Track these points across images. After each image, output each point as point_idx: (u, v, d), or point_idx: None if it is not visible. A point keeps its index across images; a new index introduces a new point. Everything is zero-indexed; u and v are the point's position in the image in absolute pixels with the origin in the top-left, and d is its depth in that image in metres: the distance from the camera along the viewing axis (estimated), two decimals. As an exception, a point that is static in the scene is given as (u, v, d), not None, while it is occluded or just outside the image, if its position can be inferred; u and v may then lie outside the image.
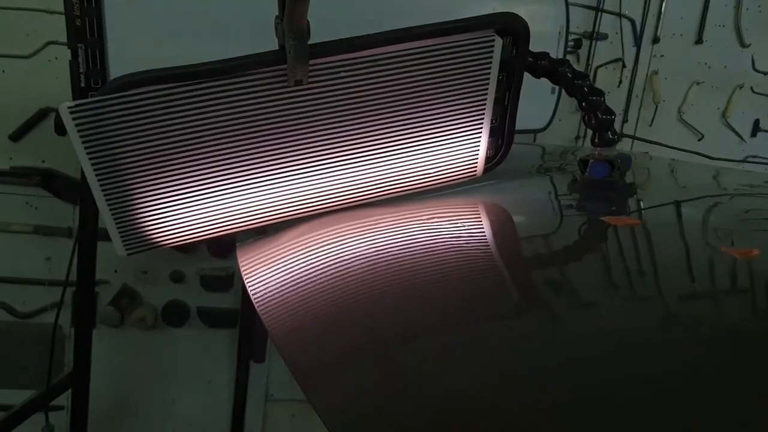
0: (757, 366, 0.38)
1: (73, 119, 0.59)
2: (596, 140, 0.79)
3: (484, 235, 0.67)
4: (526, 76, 0.77)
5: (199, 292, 1.72)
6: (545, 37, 1.37)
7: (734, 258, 0.54)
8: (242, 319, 1.75)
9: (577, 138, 1.81)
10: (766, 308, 0.47)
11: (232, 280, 1.71)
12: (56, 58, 1.48)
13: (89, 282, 1.33)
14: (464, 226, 0.70)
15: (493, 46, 0.70)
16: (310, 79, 0.64)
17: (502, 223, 0.72)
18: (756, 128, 1.99)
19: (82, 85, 0.89)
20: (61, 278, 1.26)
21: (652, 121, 1.89)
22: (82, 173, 0.63)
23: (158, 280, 1.70)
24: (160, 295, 1.72)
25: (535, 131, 1.51)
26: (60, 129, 0.61)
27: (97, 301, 1.66)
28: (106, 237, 0.68)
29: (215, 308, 1.74)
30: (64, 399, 1.52)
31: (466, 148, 0.76)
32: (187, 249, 1.66)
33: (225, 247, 1.62)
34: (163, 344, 1.75)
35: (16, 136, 1.53)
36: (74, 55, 0.89)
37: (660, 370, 0.38)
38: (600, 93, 0.79)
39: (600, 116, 0.79)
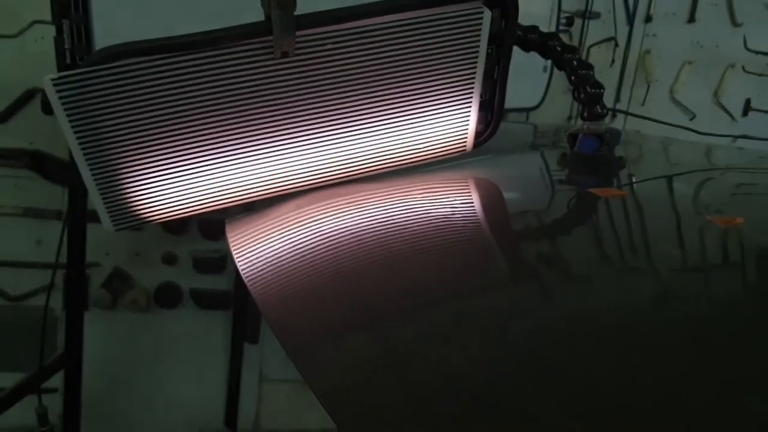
0: (738, 329, 0.39)
1: (57, 92, 0.58)
2: (585, 114, 0.79)
3: (474, 209, 0.67)
4: (517, 53, 0.77)
5: (192, 274, 1.72)
6: (537, 14, 1.37)
7: (718, 226, 0.55)
8: (235, 301, 1.76)
9: (570, 118, 1.81)
10: (748, 274, 0.48)
11: (224, 262, 1.70)
12: (42, 37, 1.46)
13: (79, 263, 1.33)
14: (454, 200, 0.70)
15: (481, 18, 0.69)
16: (297, 52, 0.63)
17: (491, 197, 0.73)
18: (747, 108, 1.99)
19: (68, 61, 0.88)
20: (52, 261, 1.26)
21: (644, 100, 1.89)
22: (70, 153, 0.62)
23: (150, 262, 1.69)
24: (152, 277, 1.72)
25: (527, 110, 1.51)
26: (47, 108, 0.60)
27: (89, 284, 1.66)
28: (96, 219, 0.67)
29: (208, 290, 1.74)
30: (58, 382, 1.52)
31: (456, 122, 0.76)
32: (179, 230, 1.66)
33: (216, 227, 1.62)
34: (157, 326, 1.75)
35: (3, 118, 1.51)
36: (59, 31, 0.88)
37: (648, 338, 0.38)
38: (589, 67, 0.79)
39: (589, 90, 0.78)
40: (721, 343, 0.37)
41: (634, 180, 0.79)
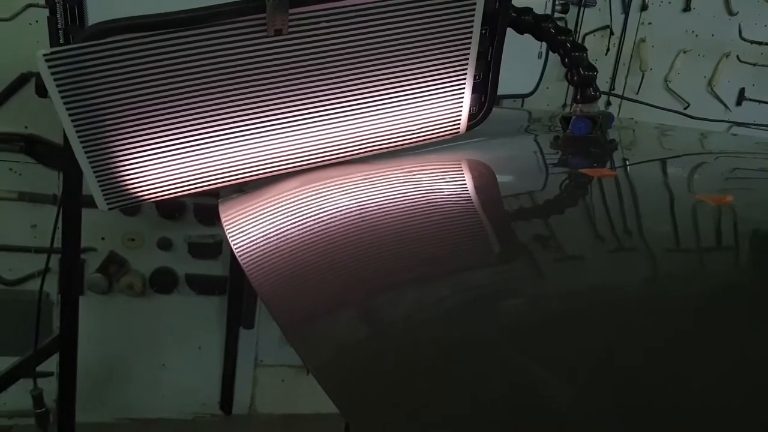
0: (728, 304, 0.39)
1: (49, 68, 0.58)
2: (578, 97, 0.79)
3: (467, 188, 0.68)
4: (512, 39, 0.77)
5: (187, 260, 1.72)
6: (532, 0, 1.37)
7: (708, 204, 0.55)
8: (231, 286, 1.76)
9: (565, 105, 1.82)
10: (735, 250, 0.48)
11: (220, 247, 1.71)
12: (37, 21, 1.45)
13: (75, 248, 1.33)
14: (447, 179, 0.71)
15: (475, -2, 0.69)
16: (290, 30, 0.63)
17: (483, 177, 0.73)
18: (741, 97, 2.00)
19: (61, 41, 0.88)
20: (47, 245, 1.26)
21: (639, 89, 1.89)
22: (65, 135, 0.62)
23: (146, 247, 1.70)
24: (147, 262, 1.72)
25: (522, 96, 1.51)
26: (41, 90, 0.60)
27: (84, 269, 1.66)
28: (91, 204, 0.67)
29: (203, 275, 1.74)
30: (54, 366, 1.53)
31: (450, 103, 0.76)
32: (175, 215, 1.66)
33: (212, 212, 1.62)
34: (152, 311, 1.76)
35: (-2, 102, 1.51)
36: (52, 11, 0.88)
37: (634, 312, 0.39)
38: (582, 49, 0.80)
39: (582, 72, 0.79)
40: (711, 317, 0.38)
41: (625, 162, 0.80)
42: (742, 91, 1.99)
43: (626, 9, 1.80)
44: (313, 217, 0.60)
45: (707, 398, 0.30)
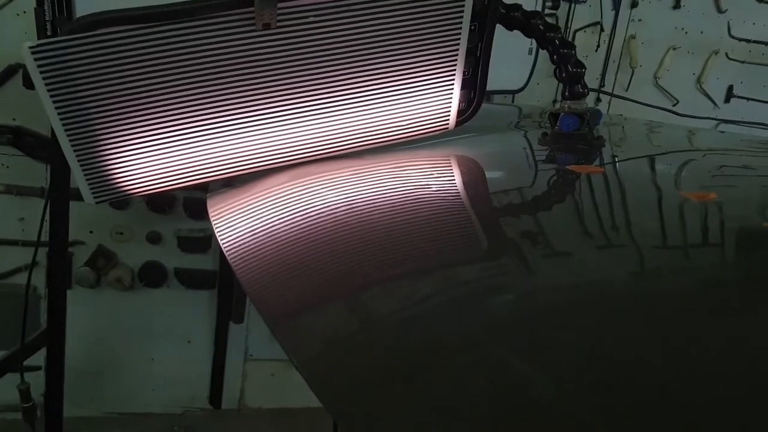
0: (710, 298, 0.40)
1: (36, 60, 0.58)
2: (566, 93, 0.80)
3: (455, 184, 0.68)
4: (503, 35, 0.77)
5: (177, 253, 1.71)
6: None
7: (691, 200, 0.56)
8: (221, 280, 1.76)
9: (555, 101, 1.82)
10: (715, 247, 0.49)
11: (209, 242, 1.70)
12: (24, 12, 1.44)
13: (62, 241, 1.32)
14: (436, 175, 0.71)
15: (464, -6, 0.69)
16: (279, 24, 0.63)
17: (472, 173, 0.73)
18: (729, 94, 2.01)
19: (49, 33, 0.87)
20: (35, 238, 1.25)
21: (629, 85, 1.90)
22: (52, 128, 0.62)
23: (134, 240, 1.69)
24: (136, 256, 1.71)
25: (512, 92, 1.52)
26: (29, 82, 0.60)
27: (72, 262, 1.65)
28: (79, 197, 0.67)
29: (193, 269, 1.74)
30: (41, 360, 1.52)
31: (439, 99, 0.76)
32: (164, 209, 1.65)
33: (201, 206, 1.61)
34: (142, 305, 1.75)
35: (-15, 94, 1.49)
36: (40, 2, 0.87)
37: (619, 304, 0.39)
38: (571, 46, 0.80)
39: (570, 69, 0.79)
40: (695, 311, 0.38)
41: (612, 158, 0.81)
42: (730, 88, 2.01)
43: (616, 6, 1.81)
44: (301, 213, 0.61)
45: (700, 394, 0.30)
